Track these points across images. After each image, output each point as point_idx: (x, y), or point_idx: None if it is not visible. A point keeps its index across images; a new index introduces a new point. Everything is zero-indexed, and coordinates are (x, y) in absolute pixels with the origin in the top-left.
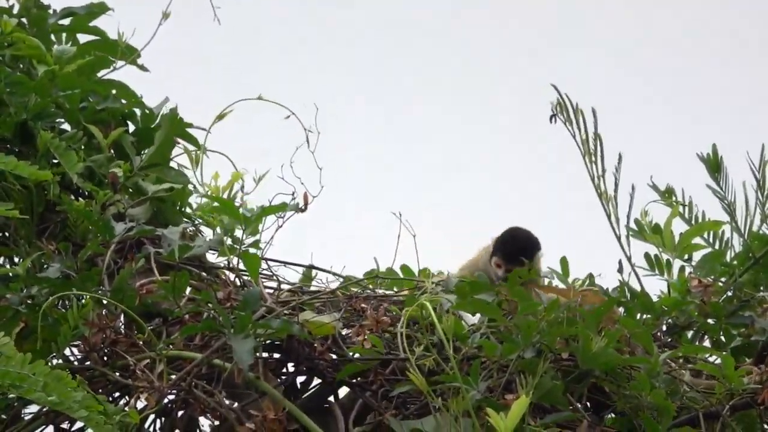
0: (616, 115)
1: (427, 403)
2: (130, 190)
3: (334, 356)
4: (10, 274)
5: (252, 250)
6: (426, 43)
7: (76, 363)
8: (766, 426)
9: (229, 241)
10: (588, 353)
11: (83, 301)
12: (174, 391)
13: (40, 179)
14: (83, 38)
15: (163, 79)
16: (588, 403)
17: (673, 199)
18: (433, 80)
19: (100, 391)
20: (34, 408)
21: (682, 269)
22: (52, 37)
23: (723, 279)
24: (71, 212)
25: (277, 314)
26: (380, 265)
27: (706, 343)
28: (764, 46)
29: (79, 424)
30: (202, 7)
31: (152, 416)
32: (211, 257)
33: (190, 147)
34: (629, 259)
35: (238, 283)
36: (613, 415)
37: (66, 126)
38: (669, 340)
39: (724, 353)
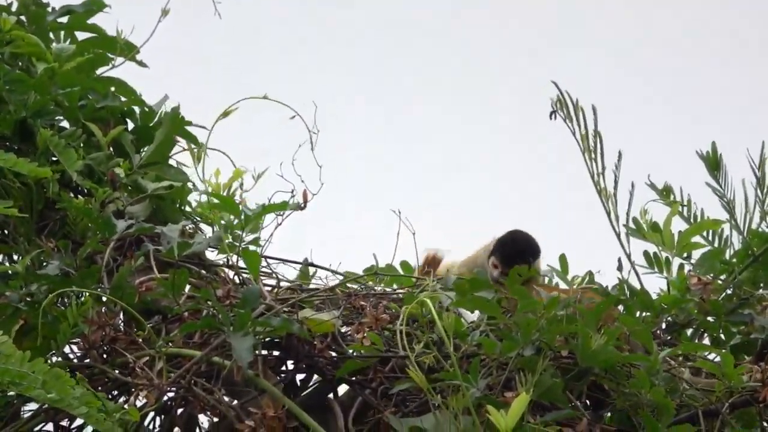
0: (616, 115)
1: (427, 401)
2: (130, 187)
3: (334, 354)
4: (10, 272)
5: (252, 248)
6: (426, 43)
7: (75, 360)
8: (765, 424)
9: (228, 239)
10: (587, 351)
11: (83, 298)
12: (173, 389)
13: (40, 176)
14: (81, 36)
15: (163, 79)
16: (587, 401)
17: (672, 197)
18: (433, 80)
19: (100, 388)
20: (33, 406)
21: (681, 267)
22: (51, 34)
23: (722, 277)
24: (71, 210)
25: (276, 312)
26: (380, 262)
27: (706, 341)
28: (764, 46)
29: (78, 422)
30: (202, 6)
31: (152, 414)
32: (211, 255)
33: (191, 145)
34: (629, 257)
35: (238, 281)
36: (612, 413)
37: (65, 124)
38: (668, 338)
39: (723, 351)
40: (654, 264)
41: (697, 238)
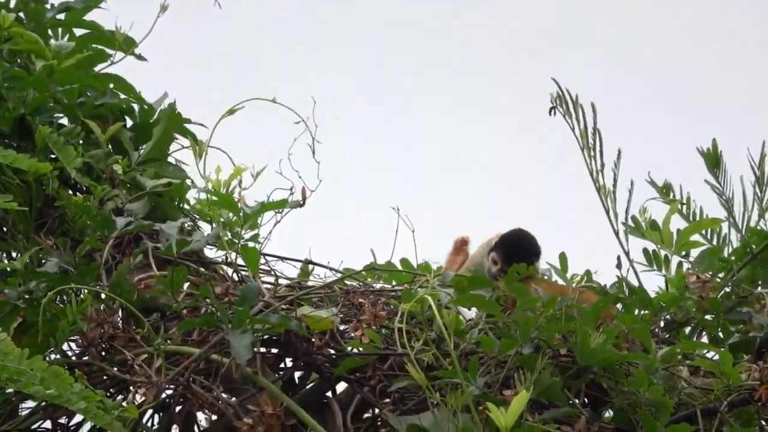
0: (616, 115)
1: (425, 399)
2: (128, 185)
3: (332, 351)
4: (8, 269)
5: (251, 245)
6: (426, 43)
7: (74, 358)
8: (764, 422)
9: (227, 236)
10: (586, 349)
11: (81, 296)
12: (172, 386)
13: (40, 172)
14: (80, 33)
15: (164, 79)
16: (586, 400)
17: (671, 195)
18: (433, 80)
19: (98, 386)
20: (31, 404)
21: (680, 265)
22: (49, 31)
23: (721, 275)
24: (69, 207)
25: (274, 309)
26: (378, 259)
27: (704, 340)
28: (764, 46)
29: (76, 420)
30: (202, 6)
31: (150, 411)
32: (209, 252)
33: (192, 143)
34: (627, 254)
35: (236, 279)
36: (610, 412)
37: (64, 121)
38: (667, 336)
39: (722, 349)
40: (653, 262)
41: (695, 237)
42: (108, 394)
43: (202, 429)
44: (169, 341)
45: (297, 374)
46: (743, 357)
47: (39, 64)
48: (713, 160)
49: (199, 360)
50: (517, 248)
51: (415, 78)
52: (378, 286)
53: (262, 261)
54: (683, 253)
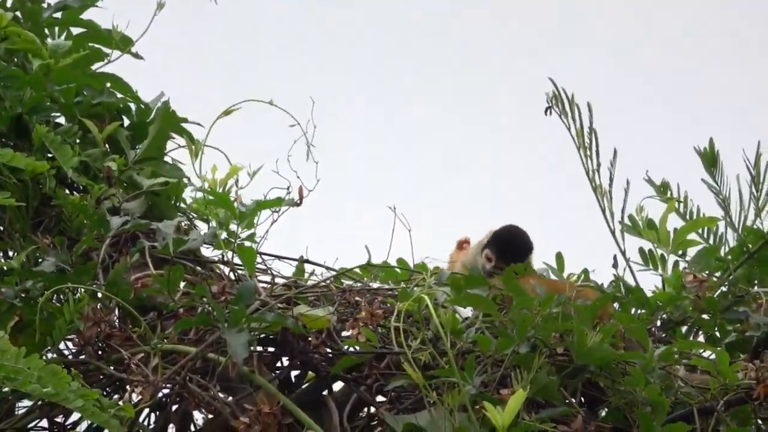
0: (616, 115)
1: (422, 398)
2: (125, 184)
3: (329, 350)
4: (5, 268)
5: (247, 244)
6: (426, 43)
7: (70, 357)
8: (760, 422)
9: (224, 235)
10: (583, 348)
11: (78, 295)
12: (168, 385)
13: (37, 171)
14: (77, 31)
15: (163, 78)
16: (582, 399)
17: (669, 194)
18: (433, 80)
19: (95, 384)
20: (28, 403)
21: (676, 264)
22: (46, 30)
23: (717, 274)
24: (66, 206)
25: (270, 307)
26: (376, 258)
27: (701, 339)
28: (764, 46)
29: (72, 419)
30: (200, 5)
31: (147, 410)
32: (206, 252)
33: (188, 142)
34: (624, 254)
35: (233, 277)
36: (607, 411)
37: (61, 120)
38: (664, 335)
39: (718, 349)
40: (649, 261)
41: (692, 236)
42: (105, 393)
43: (198, 428)
44: (165, 340)
45: (294, 373)
46: (740, 356)
47: (36, 63)
48: (710, 160)
49: (196, 359)
50: (510, 244)
51: (415, 78)
52: (375, 285)
53: (259, 260)
54: (680, 252)
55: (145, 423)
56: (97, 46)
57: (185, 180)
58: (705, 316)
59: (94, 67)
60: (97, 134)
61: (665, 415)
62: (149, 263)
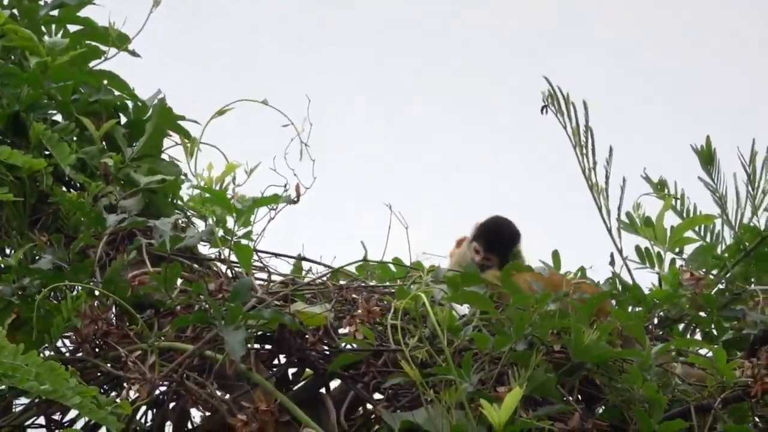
0: (616, 115)
1: (419, 395)
2: (122, 181)
3: (326, 348)
4: (2, 266)
5: (244, 242)
6: (426, 43)
7: (68, 354)
8: (757, 419)
9: (221, 233)
10: (580, 346)
11: (75, 292)
12: (166, 383)
13: (35, 168)
14: (74, 29)
15: (162, 77)
16: (579, 396)
17: (666, 191)
18: (433, 80)
19: (92, 382)
20: (25, 400)
21: (673, 262)
22: (43, 28)
23: (714, 272)
24: (63, 204)
25: (267, 304)
26: (370, 253)
27: (698, 337)
28: (764, 46)
29: (70, 415)
30: (200, 5)
31: (144, 407)
32: (203, 249)
33: (184, 140)
34: (620, 252)
35: (230, 275)
36: (604, 408)
37: (58, 117)
38: (660, 333)
39: (715, 346)
40: (646, 259)
41: (689, 233)
42: (102, 390)
43: (195, 425)
44: (162, 338)
45: (291, 371)
46: (737, 354)
47: (33, 60)
48: (707, 158)
49: (193, 356)
50: (496, 234)
51: (415, 78)
52: (372, 283)
53: (256, 258)
54: (677, 250)
55: (143, 420)
56: (94, 43)
57: (182, 177)
58: (702, 314)
59: (91, 65)
60: (94, 132)
61: (662, 412)
62: (146, 261)
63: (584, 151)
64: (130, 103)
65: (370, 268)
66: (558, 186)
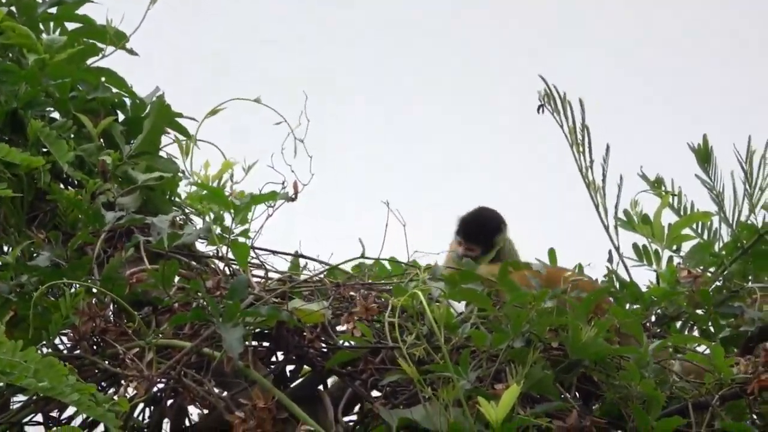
0: (616, 115)
1: (417, 393)
2: (120, 179)
3: (324, 345)
4: (0, 263)
5: (241, 239)
6: (426, 43)
7: (65, 351)
8: (755, 416)
9: (218, 230)
10: (577, 343)
11: (73, 290)
12: (163, 380)
13: (33, 166)
14: (71, 27)
15: (161, 78)
16: (577, 393)
17: (663, 189)
18: (433, 80)
19: (90, 379)
20: (23, 397)
21: (670, 260)
22: (41, 25)
23: (712, 269)
24: (61, 201)
25: (265, 302)
26: (369, 252)
27: (695, 334)
28: (764, 46)
29: (67, 413)
30: (200, 4)
31: (141, 405)
32: (201, 246)
33: (178, 137)
34: (617, 249)
35: (228, 272)
36: (602, 405)
37: (56, 115)
38: (658, 330)
39: (713, 343)
40: (643, 257)
41: (686, 231)
42: (99, 387)
43: (193, 423)
44: (160, 335)
45: (289, 368)
46: (734, 351)
47: (31, 58)
48: (704, 156)
49: (191, 354)
50: (476, 225)
51: (415, 78)
52: (369, 280)
53: (253, 255)
54: (674, 247)
55: (140, 418)
56: (92, 41)
57: (180, 175)
58: (699, 311)
59: (89, 62)
60: (92, 129)
61: (660, 409)
62: (144, 258)
63: (581, 149)
64: (128, 101)
65: (367, 266)
66: (558, 186)
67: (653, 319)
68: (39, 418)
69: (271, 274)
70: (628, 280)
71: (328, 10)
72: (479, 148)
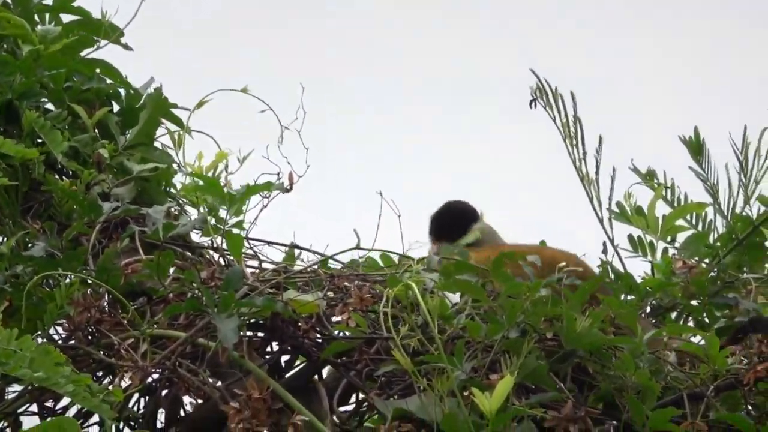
0: (615, 114)
1: (412, 383)
2: (115, 169)
3: (319, 335)
4: None
5: (236, 230)
6: (426, 43)
7: (60, 342)
8: (750, 407)
9: (213, 221)
10: (572, 333)
11: (68, 280)
12: (158, 371)
13: (27, 157)
14: (66, 18)
15: (160, 75)
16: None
17: (655, 182)
18: (433, 80)
19: (85, 370)
20: (18, 387)
21: (665, 251)
22: (36, 16)
23: (707, 260)
24: (56, 192)
25: (260, 292)
26: (363, 244)
27: (690, 325)
28: (764, 46)
29: (62, 403)
30: (200, 3)
31: (136, 395)
32: (196, 237)
33: (170, 129)
34: (612, 241)
35: (222, 263)
36: (596, 396)
37: (50, 106)
38: (653, 321)
39: (708, 334)
40: (638, 248)
41: (680, 222)
42: (94, 378)
43: (188, 413)
44: (155, 325)
45: (283, 358)
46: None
47: (25, 49)
48: (695, 148)
49: (186, 344)
50: (440, 222)
51: (415, 78)
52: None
53: (247, 246)
54: (669, 238)
55: (135, 408)
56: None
57: (175, 165)
58: (694, 302)
59: (83, 53)
60: (86, 120)
61: (655, 399)
62: (139, 249)
63: (574, 142)
64: (122, 91)
65: (361, 258)
66: (558, 185)
67: (648, 310)
68: (34, 408)
69: (265, 265)
70: (622, 271)
71: (328, 10)
72: (479, 147)
